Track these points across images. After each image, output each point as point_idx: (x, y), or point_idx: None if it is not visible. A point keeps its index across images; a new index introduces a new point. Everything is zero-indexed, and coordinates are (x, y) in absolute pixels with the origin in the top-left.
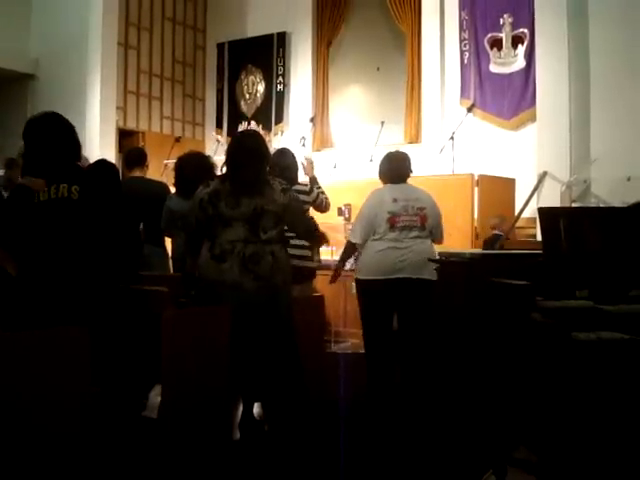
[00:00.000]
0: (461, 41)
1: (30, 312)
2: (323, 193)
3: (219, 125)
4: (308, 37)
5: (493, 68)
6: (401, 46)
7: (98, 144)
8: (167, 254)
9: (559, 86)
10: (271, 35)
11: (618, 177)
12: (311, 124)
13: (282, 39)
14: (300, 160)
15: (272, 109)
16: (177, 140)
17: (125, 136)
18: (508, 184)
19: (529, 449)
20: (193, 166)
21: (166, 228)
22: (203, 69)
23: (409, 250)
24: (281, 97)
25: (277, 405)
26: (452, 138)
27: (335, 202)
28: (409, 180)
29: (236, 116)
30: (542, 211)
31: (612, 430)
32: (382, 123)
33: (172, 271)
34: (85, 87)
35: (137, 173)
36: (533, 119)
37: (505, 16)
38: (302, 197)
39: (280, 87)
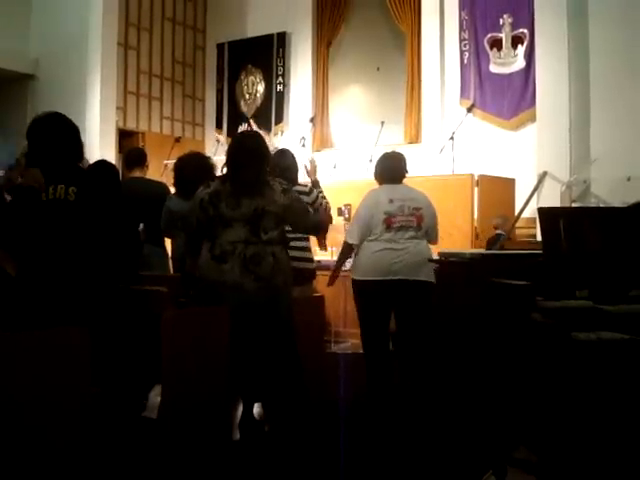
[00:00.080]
0: (461, 41)
1: (27, 312)
2: (324, 198)
3: (219, 125)
4: (308, 37)
5: (493, 68)
6: (401, 46)
7: (98, 144)
8: (167, 254)
9: (559, 86)
10: (271, 35)
11: (618, 177)
12: (311, 124)
13: (282, 39)
14: (303, 162)
15: (272, 109)
16: (177, 140)
17: (125, 136)
18: (508, 184)
19: (529, 449)
20: (193, 167)
21: (166, 228)
22: (203, 69)
23: (405, 251)
24: (281, 97)
25: (277, 405)
26: (452, 138)
27: (335, 202)
28: (405, 180)
29: (236, 116)
30: (542, 211)
31: (612, 430)
32: (382, 123)
33: (172, 271)
34: (85, 87)
35: (137, 173)
36: (533, 119)
37: (505, 16)
38: (302, 198)
39: (280, 87)
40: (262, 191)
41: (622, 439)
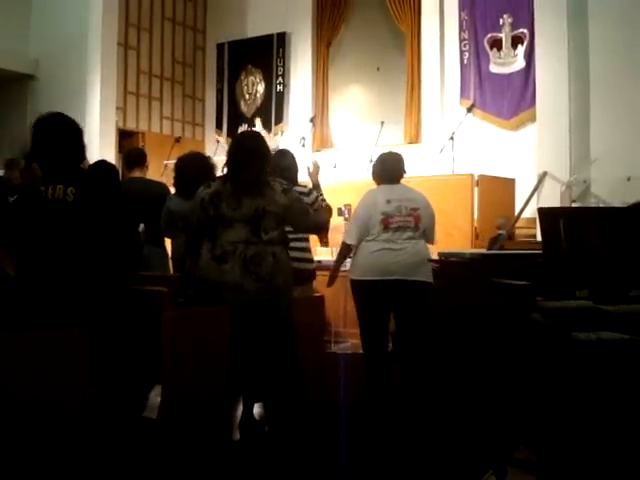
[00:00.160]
0: (461, 41)
1: (27, 312)
2: (324, 200)
3: (219, 125)
4: (308, 37)
5: (493, 68)
6: (401, 46)
7: (98, 144)
8: (167, 254)
9: (559, 86)
10: (271, 35)
11: (618, 177)
12: (311, 124)
13: (282, 39)
14: (306, 164)
15: (272, 109)
16: (177, 140)
17: (125, 136)
18: (508, 184)
19: (529, 449)
20: (193, 167)
21: (166, 228)
22: (203, 69)
23: (404, 252)
24: (281, 97)
25: (277, 406)
26: (452, 138)
27: (335, 202)
28: (405, 181)
29: (236, 116)
30: (542, 211)
31: (612, 430)
32: (382, 123)
33: (172, 271)
34: (85, 87)
35: (137, 174)
36: (533, 119)
37: (505, 16)
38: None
39: (280, 87)
40: (263, 191)
41: (622, 439)
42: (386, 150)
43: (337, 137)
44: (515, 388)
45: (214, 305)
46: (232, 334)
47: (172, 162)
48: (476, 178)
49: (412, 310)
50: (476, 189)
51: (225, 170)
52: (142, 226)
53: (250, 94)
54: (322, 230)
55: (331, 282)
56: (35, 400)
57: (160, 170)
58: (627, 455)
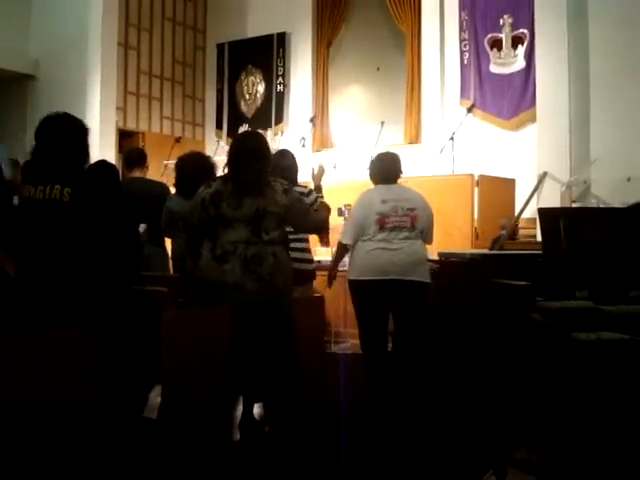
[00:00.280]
0: (461, 41)
1: (25, 312)
2: (323, 203)
3: (219, 126)
4: (308, 37)
5: (493, 68)
6: (401, 46)
7: (98, 144)
8: (167, 254)
9: (559, 86)
10: (271, 35)
11: (618, 178)
12: (311, 124)
13: (282, 39)
14: (312, 165)
15: (272, 109)
16: (177, 141)
17: (125, 137)
18: (508, 184)
19: (529, 449)
20: (193, 166)
21: (166, 228)
22: (203, 69)
23: (400, 252)
24: (281, 97)
25: (277, 406)
26: (452, 138)
27: (335, 202)
28: (406, 181)
29: (236, 117)
30: (542, 212)
31: (612, 430)
32: (382, 123)
33: (172, 271)
34: (85, 87)
35: (137, 174)
36: (533, 119)
37: (505, 17)
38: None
39: (280, 87)
40: (263, 191)
41: (622, 439)
42: (386, 150)
43: (337, 137)
44: (515, 388)
45: (214, 305)
46: (232, 334)
47: (172, 162)
48: (476, 178)
49: (410, 310)
50: (476, 189)
51: (226, 170)
52: (144, 226)
53: (250, 94)
54: (322, 230)
55: (330, 283)
56: (35, 400)
57: (160, 170)
58: (627, 455)
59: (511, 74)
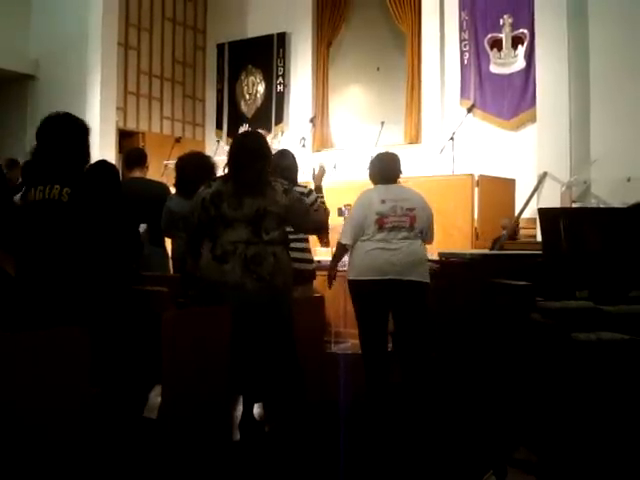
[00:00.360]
0: (461, 41)
1: (21, 312)
2: (323, 203)
3: (219, 126)
4: (308, 37)
5: (493, 68)
6: (401, 46)
7: (98, 145)
8: (167, 254)
9: (559, 86)
10: (271, 35)
11: (618, 178)
12: (311, 124)
13: (282, 39)
14: (313, 165)
15: (272, 109)
16: (177, 141)
17: (125, 137)
18: (508, 184)
19: (529, 449)
20: (194, 166)
21: (166, 228)
22: (203, 70)
23: (399, 251)
24: (281, 97)
25: (277, 406)
26: (452, 138)
27: (335, 202)
28: (406, 181)
29: (236, 117)
30: (542, 212)
31: (612, 430)
32: (382, 123)
33: (172, 271)
34: (85, 87)
35: (137, 174)
36: (533, 119)
37: (505, 17)
38: None
39: (280, 87)
40: (264, 191)
41: (622, 439)
42: (386, 150)
43: (337, 137)
44: (515, 388)
45: (214, 305)
46: (232, 334)
47: (172, 162)
48: (476, 178)
49: (409, 310)
50: (476, 189)
51: (226, 170)
52: (144, 226)
53: (250, 94)
54: (322, 230)
55: (330, 283)
56: (35, 400)
57: (160, 170)
58: (627, 455)
59: (511, 74)
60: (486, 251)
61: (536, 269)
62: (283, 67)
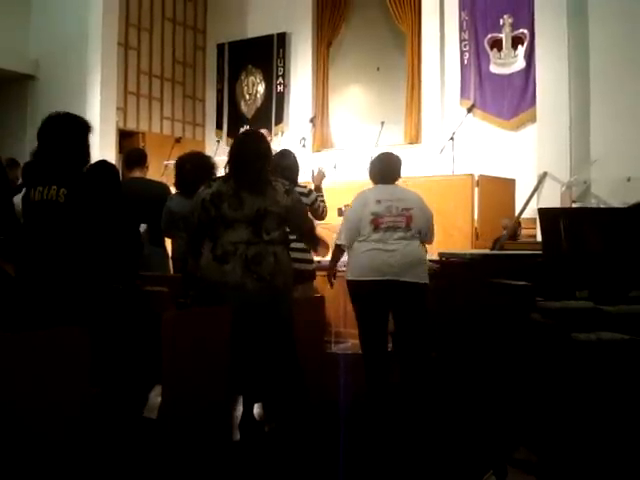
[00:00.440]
0: (461, 41)
1: (21, 312)
2: (323, 202)
3: (219, 126)
4: (308, 37)
5: (493, 68)
6: (401, 46)
7: (98, 145)
8: (167, 254)
9: (559, 84)
10: (271, 36)
11: (618, 178)
12: (311, 124)
13: (282, 40)
14: (312, 167)
15: (272, 110)
16: (177, 141)
17: (125, 137)
18: (508, 184)
19: (529, 449)
20: (194, 166)
21: (166, 229)
22: (203, 70)
23: (397, 252)
24: (281, 98)
25: (277, 406)
26: (452, 138)
27: (335, 203)
28: (405, 181)
29: (236, 117)
30: (542, 212)
31: (612, 430)
32: (382, 123)
33: (172, 271)
34: (85, 88)
35: (137, 174)
36: (533, 120)
37: (505, 17)
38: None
39: (280, 88)
40: (264, 191)
41: (622, 439)
42: (386, 150)
43: (337, 137)
44: (515, 388)
45: (215, 305)
46: (232, 334)
47: (172, 162)
48: (476, 178)
49: (407, 311)
50: (476, 189)
51: (226, 170)
52: (144, 226)
53: (250, 94)
54: (314, 238)
55: (330, 283)
56: (35, 400)
57: (160, 170)
58: (627, 455)
59: (511, 74)
60: (486, 251)
61: (536, 269)
62: (283, 67)
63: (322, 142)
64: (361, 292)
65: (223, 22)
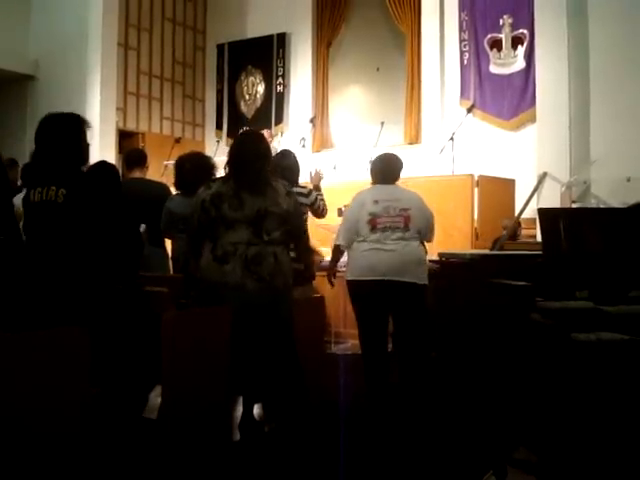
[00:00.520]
0: (461, 42)
1: (21, 312)
2: (322, 200)
3: (219, 126)
4: (308, 38)
5: (493, 69)
6: (401, 46)
7: (98, 145)
8: (167, 255)
9: (559, 84)
10: (271, 36)
11: (618, 178)
12: (311, 125)
13: (282, 40)
14: (309, 169)
15: (272, 110)
16: (177, 141)
17: (125, 137)
18: (508, 185)
19: (529, 449)
20: (193, 165)
21: (165, 229)
22: (203, 70)
23: (395, 252)
24: (281, 98)
25: (277, 406)
26: (452, 139)
27: (335, 203)
28: (406, 181)
29: (236, 117)
30: (542, 212)
31: (612, 430)
32: (382, 124)
33: (172, 272)
34: (85, 88)
35: (137, 174)
36: (533, 120)
37: (505, 17)
38: (301, 199)
39: (280, 88)
40: (264, 191)
41: (622, 439)
42: (386, 150)
43: (337, 137)
44: (515, 389)
45: (215, 306)
46: (232, 335)
47: (172, 163)
48: (476, 179)
49: (406, 311)
50: (476, 190)
51: (226, 170)
52: (143, 226)
53: (250, 95)
54: (307, 244)
55: (331, 282)
56: (35, 400)
57: (160, 170)
58: (627, 455)
59: (511, 74)
60: (486, 251)
61: (536, 269)
62: (283, 67)
63: (322, 142)
64: (361, 292)
65: (223, 22)
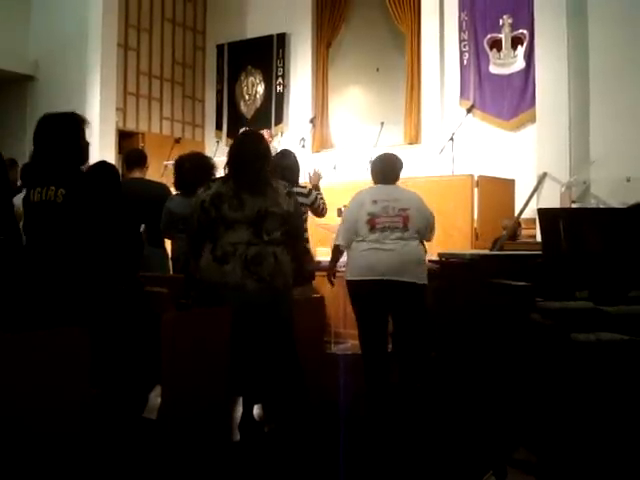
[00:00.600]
0: (461, 42)
1: (21, 312)
2: (322, 200)
3: (219, 126)
4: (308, 38)
5: (493, 69)
6: (401, 46)
7: (98, 145)
8: (167, 255)
9: (559, 84)
10: (271, 36)
11: (618, 178)
12: (311, 125)
13: (282, 40)
14: (308, 170)
15: (272, 110)
16: (177, 141)
17: (125, 137)
18: (508, 185)
19: (529, 449)
20: (193, 165)
21: (165, 229)
22: (203, 70)
23: (394, 252)
24: (281, 98)
25: (277, 406)
26: (452, 139)
27: (335, 203)
28: (406, 181)
29: (236, 117)
30: (542, 212)
31: (612, 430)
32: (382, 124)
33: (172, 272)
34: (85, 88)
35: (137, 174)
36: (533, 120)
37: (505, 17)
38: (301, 199)
39: (280, 88)
40: (265, 191)
41: (621, 439)
42: (386, 151)
43: (337, 138)
44: (515, 389)
45: (215, 306)
46: (232, 335)
47: (172, 163)
48: (476, 179)
49: (405, 311)
50: (476, 190)
51: (226, 170)
52: (142, 227)
53: (250, 95)
54: (305, 246)
55: (330, 282)
56: (35, 400)
57: (160, 171)
58: (627, 455)
59: (511, 74)
60: (486, 251)
61: (536, 269)
62: (283, 68)
63: (322, 142)
64: (360, 292)
65: (222, 23)
